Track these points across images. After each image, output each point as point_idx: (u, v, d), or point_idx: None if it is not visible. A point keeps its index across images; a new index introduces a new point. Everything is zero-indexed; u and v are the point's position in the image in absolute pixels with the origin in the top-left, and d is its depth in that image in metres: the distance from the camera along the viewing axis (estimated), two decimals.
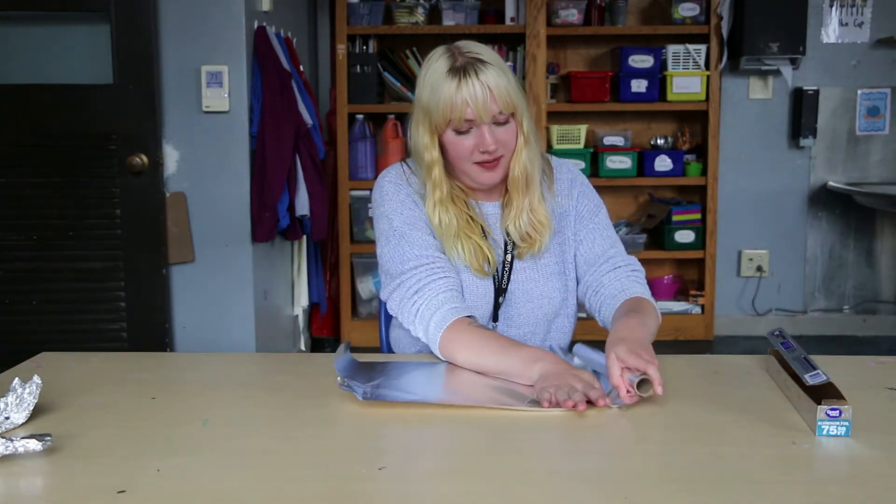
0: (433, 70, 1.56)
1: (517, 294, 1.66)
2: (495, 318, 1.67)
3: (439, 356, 1.55)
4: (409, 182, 1.67)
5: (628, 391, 1.32)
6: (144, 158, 2.96)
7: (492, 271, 1.64)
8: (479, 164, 1.59)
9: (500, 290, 1.66)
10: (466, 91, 1.52)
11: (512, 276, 1.66)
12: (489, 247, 1.63)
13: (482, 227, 1.65)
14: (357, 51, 4.26)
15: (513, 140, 1.60)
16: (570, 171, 1.76)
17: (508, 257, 1.66)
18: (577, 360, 1.51)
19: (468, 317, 1.55)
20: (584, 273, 1.71)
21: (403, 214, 1.64)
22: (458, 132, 1.56)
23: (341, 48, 4.20)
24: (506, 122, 1.57)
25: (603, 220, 1.74)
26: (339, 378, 1.40)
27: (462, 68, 1.53)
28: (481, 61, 1.54)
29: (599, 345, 1.53)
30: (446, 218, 1.61)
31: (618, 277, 1.67)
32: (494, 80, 1.53)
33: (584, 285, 1.71)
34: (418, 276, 1.58)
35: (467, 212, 1.65)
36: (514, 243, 1.67)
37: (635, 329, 1.45)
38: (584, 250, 1.71)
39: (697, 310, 4.38)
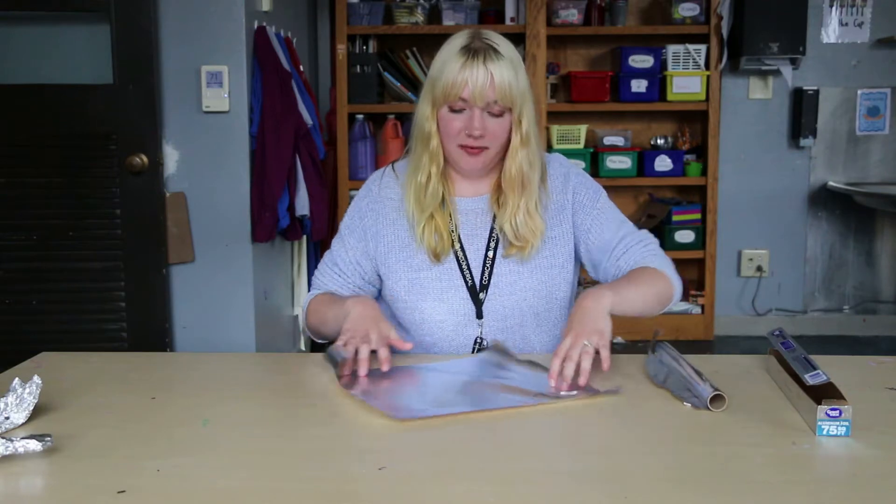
0: (450, 46, 1.61)
1: (500, 287, 1.67)
2: (479, 314, 1.67)
3: (311, 336, 1.76)
4: (382, 185, 1.75)
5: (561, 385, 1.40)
6: (144, 158, 2.95)
7: (446, 258, 1.66)
8: (463, 147, 1.62)
9: (480, 287, 1.67)
10: (469, 71, 1.56)
11: (495, 271, 1.67)
12: (450, 237, 1.67)
13: (451, 215, 1.69)
14: (357, 51, 4.26)
15: (503, 134, 1.62)
16: (563, 165, 1.76)
17: (490, 254, 1.68)
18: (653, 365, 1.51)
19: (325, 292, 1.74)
20: (600, 261, 1.71)
21: (352, 218, 1.77)
22: (452, 110, 1.60)
23: (341, 48, 4.21)
24: (500, 115, 1.60)
25: (605, 203, 1.74)
26: (336, 372, 1.39)
27: (473, 50, 1.57)
28: (495, 51, 1.58)
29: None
30: (435, 189, 1.66)
31: (632, 257, 1.68)
32: (499, 71, 1.56)
33: (603, 274, 1.72)
34: (322, 271, 1.78)
35: (445, 200, 1.69)
36: (497, 241, 1.68)
37: (587, 297, 1.50)
38: (594, 238, 1.71)
39: (697, 310, 4.38)
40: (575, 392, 1.37)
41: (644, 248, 1.70)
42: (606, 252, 1.70)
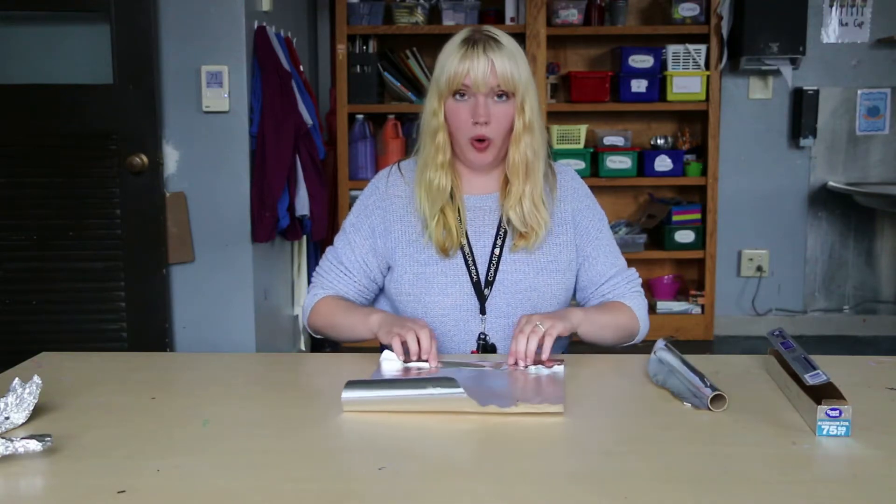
0: (451, 42, 1.65)
1: (505, 284, 1.69)
2: (482, 310, 1.68)
3: (310, 332, 1.79)
4: (389, 183, 1.76)
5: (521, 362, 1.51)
6: (144, 158, 2.95)
7: (454, 253, 1.68)
8: (472, 142, 1.65)
9: (486, 283, 1.69)
10: (470, 61, 1.60)
11: (500, 268, 1.69)
12: (458, 229, 1.68)
13: (459, 211, 1.70)
14: (357, 51, 4.26)
15: (507, 120, 1.64)
16: (574, 179, 1.80)
17: (497, 250, 1.69)
18: (654, 363, 1.51)
19: (333, 295, 1.76)
20: (587, 287, 1.78)
21: (358, 216, 1.77)
22: (457, 97, 1.63)
23: (341, 48, 4.21)
24: (504, 100, 1.63)
25: (606, 233, 1.80)
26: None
27: (474, 41, 1.62)
28: (495, 41, 1.62)
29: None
30: (443, 182, 1.67)
31: (613, 298, 1.76)
32: (500, 59, 1.60)
33: (586, 300, 1.79)
34: (326, 268, 1.78)
35: (454, 197, 1.71)
36: (504, 235, 1.70)
37: (567, 311, 1.63)
38: (587, 268, 1.76)
39: (697, 310, 4.38)
40: (533, 366, 1.49)
41: (629, 288, 1.77)
42: (596, 283, 1.76)
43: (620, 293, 1.76)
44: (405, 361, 1.52)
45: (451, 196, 1.69)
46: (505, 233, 1.70)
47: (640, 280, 1.81)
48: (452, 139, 1.68)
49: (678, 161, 4.29)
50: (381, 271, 1.75)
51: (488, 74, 1.59)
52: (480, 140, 1.65)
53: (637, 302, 1.76)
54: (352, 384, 1.35)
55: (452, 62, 1.61)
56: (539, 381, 1.45)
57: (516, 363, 1.51)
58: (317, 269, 1.82)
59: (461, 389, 1.31)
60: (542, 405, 1.31)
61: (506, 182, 1.71)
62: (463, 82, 1.61)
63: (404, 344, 1.52)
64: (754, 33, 4.13)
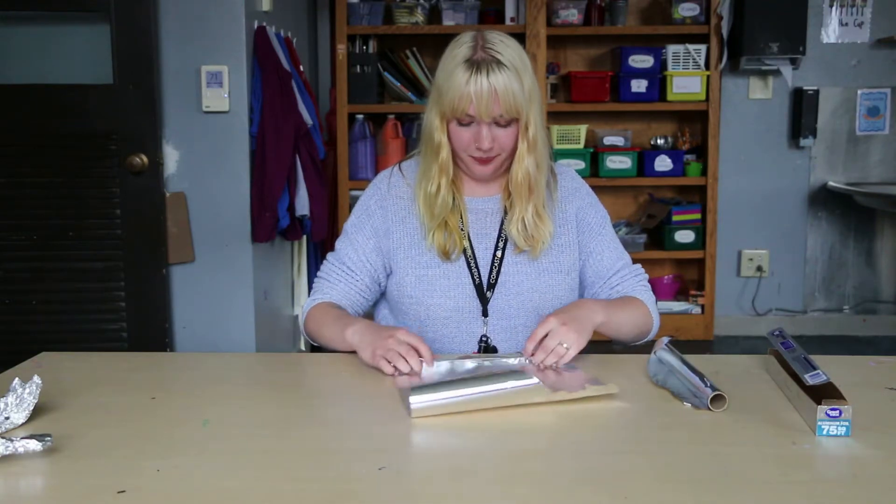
0: (453, 55, 1.60)
1: (508, 286, 1.68)
2: (485, 312, 1.68)
3: (307, 338, 1.76)
4: (391, 185, 1.75)
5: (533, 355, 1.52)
6: (144, 158, 2.96)
7: (456, 257, 1.68)
8: (474, 158, 1.64)
9: (488, 285, 1.68)
10: (473, 87, 1.56)
11: (502, 270, 1.69)
12: (460, 236, 1.68)
13: (461, 214, 1.70)
14: (357, 51, 4.26)
15: (511, 143, 1.63)
16: (574, 180, 1.80)
17: (499, 253, 1.69)
18: (653, 365, 1.51)
19: (327, 302, 1.72)
20: (594, 283, 1.76)
21: (359, 217, 1.76)
22: (460, 123, 1.61)
23: (341, 48, 4.21)
24: (507, 125, 1.61)
25: (609, 230, 1.79)
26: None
27: (477, 63, 1.56)
28: (498, 62, 1.56)
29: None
30: (447, 199, 1.67)
31: (625, 288, 1.74)
32: (503, 84, 1.56)
33: (593, 297, 1.77)
34: (327, 271, 1.76)
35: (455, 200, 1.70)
36: (506, 238, 1.70)
37: (585, 305, 1.62)
38: (593, 262, 1.75)
39: (697, 310, 4.38)
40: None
41: (637, 281, 1.77)
42: (603, 277, 1.75)
43: (630, 286, 1.75)
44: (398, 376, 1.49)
45: (453, 199, 1.69)
46: (507, 235, 1.70)
47: (647, 276, 1.81)
48: (455, 154, 1.67)
49: (678, 161, 4.29)
50: (386, 270, 1.74)
51: (492, 104, 1.56)
52: (483, 158, 1.64)
53: (648, 297, 1.76)
54: (417, 389, 1.31)
55: (456, 87, 1.56)
56: (564, 372, 1.49)
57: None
58: (318, 273, 1.79)
59: (536, 379, 1.34)
60: (607, 386, 1.37)
61: (508, 187, 1.71)
62: (466, 111, 1.58)
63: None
64: (754, 33, 4.14)
